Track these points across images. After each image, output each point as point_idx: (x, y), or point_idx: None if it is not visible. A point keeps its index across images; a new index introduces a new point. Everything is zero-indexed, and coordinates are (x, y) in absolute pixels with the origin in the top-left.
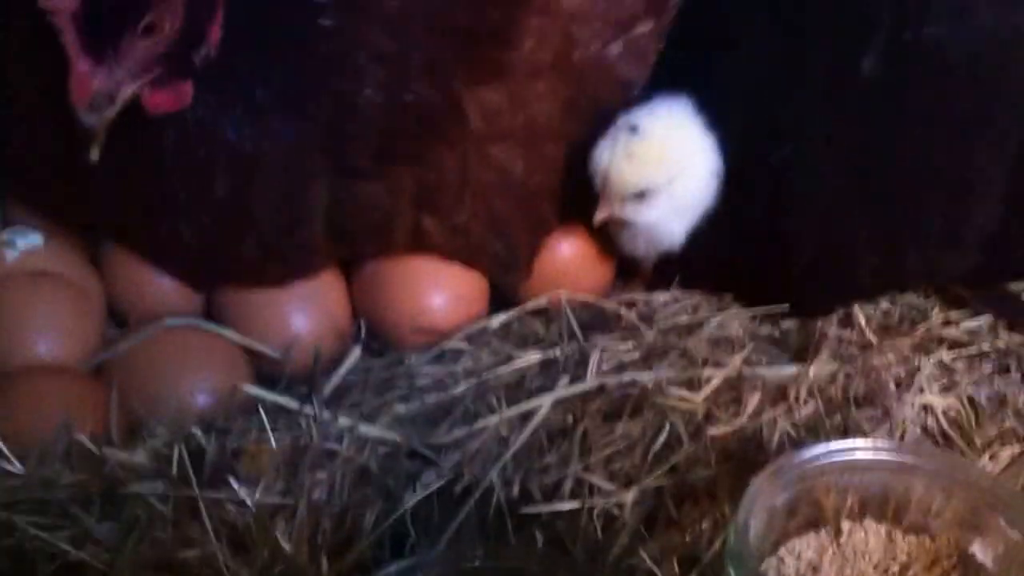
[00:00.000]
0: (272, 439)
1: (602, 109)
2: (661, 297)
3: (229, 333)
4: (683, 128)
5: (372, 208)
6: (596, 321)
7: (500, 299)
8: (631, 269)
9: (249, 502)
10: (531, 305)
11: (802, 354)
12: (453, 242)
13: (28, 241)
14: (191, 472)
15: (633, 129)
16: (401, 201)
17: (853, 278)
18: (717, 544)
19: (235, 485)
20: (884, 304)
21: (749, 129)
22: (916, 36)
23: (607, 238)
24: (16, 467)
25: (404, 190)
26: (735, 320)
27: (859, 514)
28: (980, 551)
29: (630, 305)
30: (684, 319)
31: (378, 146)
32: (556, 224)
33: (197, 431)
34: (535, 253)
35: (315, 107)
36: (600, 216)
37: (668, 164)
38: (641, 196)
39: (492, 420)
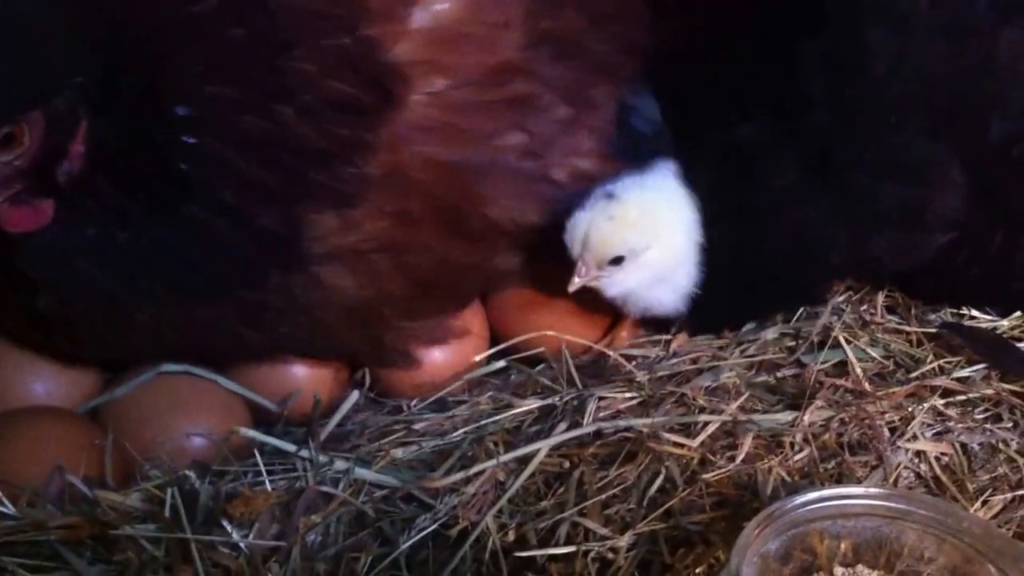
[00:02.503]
0: (268, 482)
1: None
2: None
3: (224, 381)
4: (660, 195)
5: (193, 327)
6: (594, 369)
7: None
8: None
9: (242, 545)
10: (530, 353)
11: (797, 401)
12: (275, 348)
13: None
14: (184, 514)
15: (609, 195)
16: (223, 320)
17: (827, 260)
18: None
19: (228, 528)
20: (879, 353)
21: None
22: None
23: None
24: (8, 508)
25: (227, 311)
26: (731, 369)
27: (852, 561)
28: None
29: (628, 355)
30: (681, 368)
31: (216, 272)
32: (399, 321)
33: (191, 474)
34: (384, 350)
35: (155, 231)
36: (575, 283)
37: (646, 228)
38: (617, 262)
39: (489, 465)
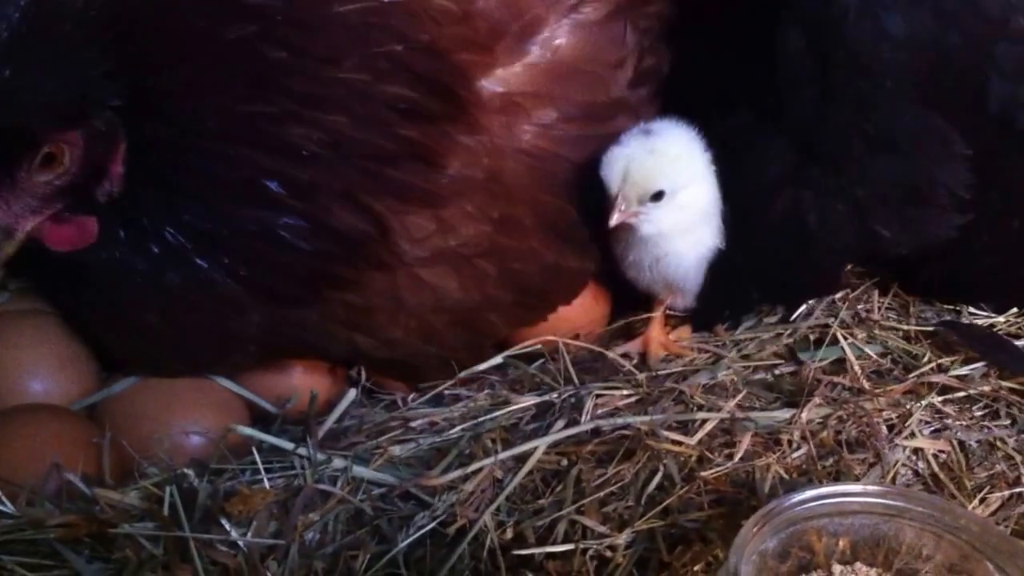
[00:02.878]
0: (266, 480)
1: (554, 225)
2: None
3: (221, 379)
4: (695, 138)
5: (305, 331)
6: (592, 366)
7: (497, 343)
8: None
9: (241, 543)
10: (528, 349)
11: (795, 399)
12: (387, 353)
13: (21, 281)
14: (182, 513)
15: (647, 132)
16: (334, 324)
17: (832, 245)
18: None
19: (227, 526)
20: (876, 350)
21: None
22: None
23: (602, 282)
24: (6, 507)
25: (336, 314)
26: (729, 367)
27: (850, 558)
28: None
29: (626, 352)
30: (679, 366)
31: (306, 274)
32: (502, 329)
33: (189, 472)
34: (479, 355)
35: (232, 240)
36: (615, 218)
37: (686, 165)
38: (657, 197)
39: (487, 462)
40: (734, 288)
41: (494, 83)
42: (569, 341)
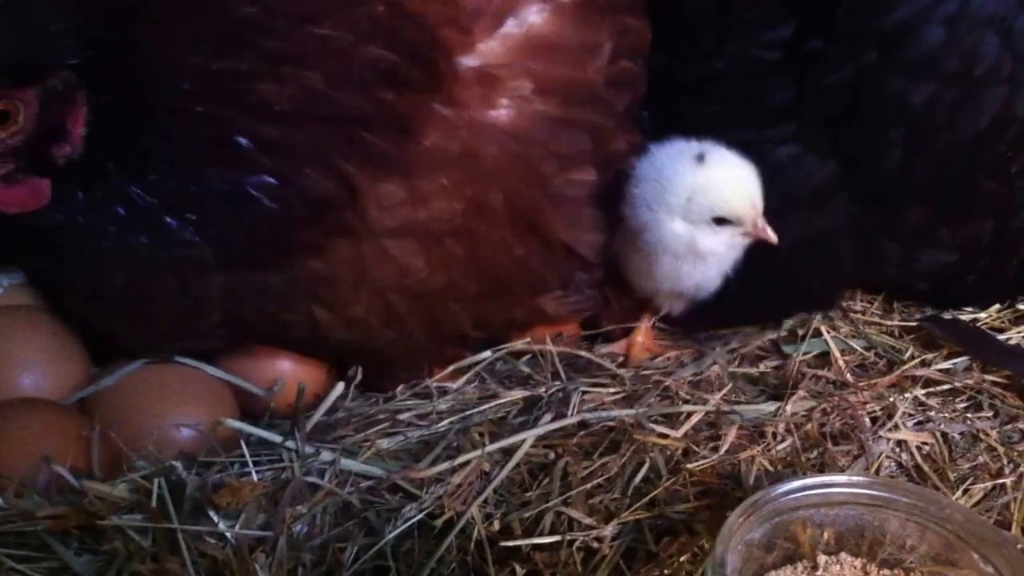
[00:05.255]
0: (254, 473)
1: (526, 218)
2: None
3: (211, 370)
4: None
5: (266, 299)
6: (579, 362)
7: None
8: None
9: (229, 535)
10: (516, 345)
11: (779, 392)
12: (350, 335)
13: (12, 278)
14: (171, 505)
15: (705, 155)
16: (295, 292)
17: (838, 263)
18: None
19: (215, 518)
20: (861, 344)
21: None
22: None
23: None
24: None
25: (298, 282)
26: (714, 362)
27: (835, 548)
28: None
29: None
30: (664, 361)
31: (273, 235)
32: (464, 322)
33: (178, 464)
34: (440, 352)
35: (200, 198)
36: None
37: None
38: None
39: (474, 455)
40: (733, 302)
41: (472, 59)
42: (554, 347)
